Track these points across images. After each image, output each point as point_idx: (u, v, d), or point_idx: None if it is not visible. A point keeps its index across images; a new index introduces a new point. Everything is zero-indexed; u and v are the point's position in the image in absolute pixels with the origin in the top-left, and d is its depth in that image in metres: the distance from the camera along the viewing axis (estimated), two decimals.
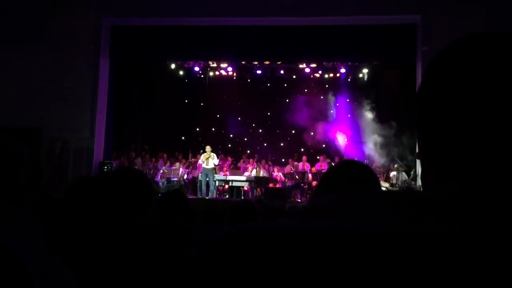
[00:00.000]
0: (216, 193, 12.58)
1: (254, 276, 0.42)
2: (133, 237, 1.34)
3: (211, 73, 15.46)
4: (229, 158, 14.24)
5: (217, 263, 0.44)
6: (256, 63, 14.43)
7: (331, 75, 14.96)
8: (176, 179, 12.71)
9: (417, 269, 0.40)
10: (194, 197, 12.15)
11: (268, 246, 0.44)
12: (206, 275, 0.44)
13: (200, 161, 12.69)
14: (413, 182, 11.45)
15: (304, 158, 13.61)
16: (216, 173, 12.60)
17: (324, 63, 13.94)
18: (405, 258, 0.41)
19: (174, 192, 3.23)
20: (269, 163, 13.77)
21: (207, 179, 12.30)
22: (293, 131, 15.35)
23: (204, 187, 12.29)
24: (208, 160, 12.40)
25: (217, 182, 12.60)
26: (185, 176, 13.05)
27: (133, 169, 1.91)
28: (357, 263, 0.41)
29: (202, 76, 15.67)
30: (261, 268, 0.43)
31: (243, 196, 12.60)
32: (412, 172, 11.58)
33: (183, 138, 16.04)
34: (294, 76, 15.20)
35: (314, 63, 13.96)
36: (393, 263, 0.41)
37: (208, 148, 12.53)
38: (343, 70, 14.40)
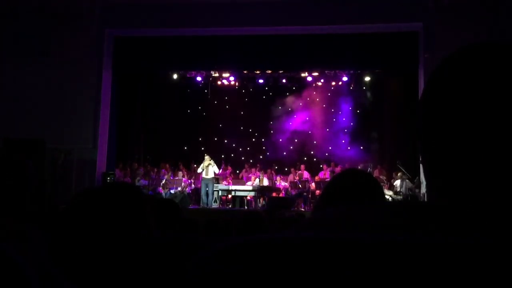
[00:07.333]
0: (220, 203, 12.58)
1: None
2: (139, 250, 1.33)
3: (213, 83, 15.50)
4: (229, 167, 14.24)
5: (221, 275, 0.44)
6: (258, 72, 14.47)
7: (333, 83, 14.98)
8: (179, 189, 12.71)
9: (419, 281, 0.40)
10: (197, 207, 12.15)
11: (273, 258, 0.43)
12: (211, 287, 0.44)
13: (199, 169, 12.70)
14: (417, 190, 11.40)
15: (302, 167, 13.57)
16: (219, 183, 12.62)
17: (326, 71, 13.97)
18: (409, 269, 0.40)
19: (166, 201, 3.21)
20: (272, 172, 13.77)
21: (207, 189, 12.31)
22: (296, 140, 15.35)
23: (205, 197, 12.30)
24: (208, 168, 12.42)
25: (220, 192, 12.60)
26: (187, 188, 13.04)
27: (127, 184, 1.88)
28: (366, 275, 0.41)
29: (204, 85, 15.70)
30: (266, 280, 0.42)
31: (246, 206, 12.58)
32: (416, 180, 11.54)
33: (185, 148, 16.06)
34: (296, 85, 15.22)
35: (316, 72, 13.98)
36: (397, 274, 0.40)
37: (207, 157, 12.57)
38: (345, 78, 14.42)
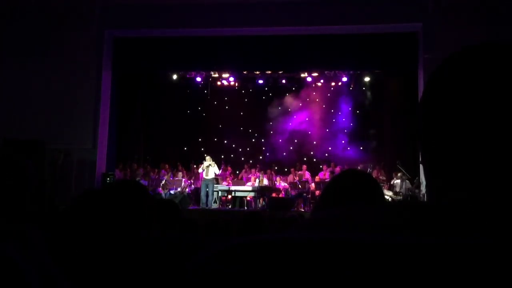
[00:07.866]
0: (220, 203, 12.58)
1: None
2: (139, 250, 1.33)
3: (212, 83, 15.50)
4: (229, 168, 14.24)
5: (221, 275, 0.44)
6: (258, 72, 14.47)
7: (333, 83, 14.99)
8: (178, 189, 12.71)
9: (420, 281, 0.40)
10: (196, 207, 12.16)
11: (273, 258, 0.43)
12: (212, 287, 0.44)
13: (200, 169, 12.72)
14: (417, 190, 11.40)
15: (304, 167, 13.60)
16: (219, 183, 12.62)
17: (326, 72, 13.97)
18: (409, 270, 0.40)
19: (166, 202, 3.21)
20: (272, 172, 13.77)
21: (207, 189, 12.32)
22: (296, 140, 15.35)
23: (204, 198, 12.30)
24: (209, 168, 12.43)
25: (219, 193, 12.60)
26: (187, 189, 13.04)
27: (131, 181, 1.89)
28: (366, 275, 0.41)
29: (204, 86, 15.70)
30: (266, 280, 0.42)
31: (246, 206, 12.59)
32: (416, 180, 11.54)
33: (185, 148, 16.07)
34: (296, 85, 15.23)
35: (316, 72, 13.99)
36: (397, 274, 0.40)
37: (208, 158, 12.60)
38: (345, 79, 14.43)
